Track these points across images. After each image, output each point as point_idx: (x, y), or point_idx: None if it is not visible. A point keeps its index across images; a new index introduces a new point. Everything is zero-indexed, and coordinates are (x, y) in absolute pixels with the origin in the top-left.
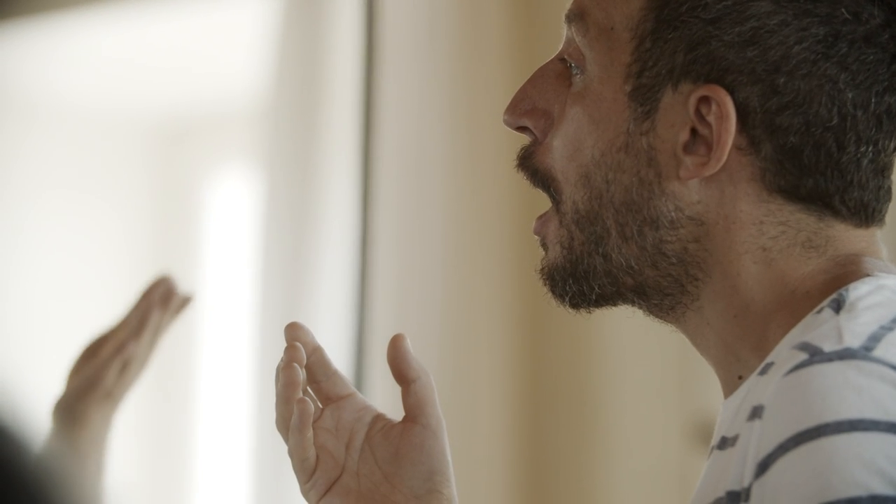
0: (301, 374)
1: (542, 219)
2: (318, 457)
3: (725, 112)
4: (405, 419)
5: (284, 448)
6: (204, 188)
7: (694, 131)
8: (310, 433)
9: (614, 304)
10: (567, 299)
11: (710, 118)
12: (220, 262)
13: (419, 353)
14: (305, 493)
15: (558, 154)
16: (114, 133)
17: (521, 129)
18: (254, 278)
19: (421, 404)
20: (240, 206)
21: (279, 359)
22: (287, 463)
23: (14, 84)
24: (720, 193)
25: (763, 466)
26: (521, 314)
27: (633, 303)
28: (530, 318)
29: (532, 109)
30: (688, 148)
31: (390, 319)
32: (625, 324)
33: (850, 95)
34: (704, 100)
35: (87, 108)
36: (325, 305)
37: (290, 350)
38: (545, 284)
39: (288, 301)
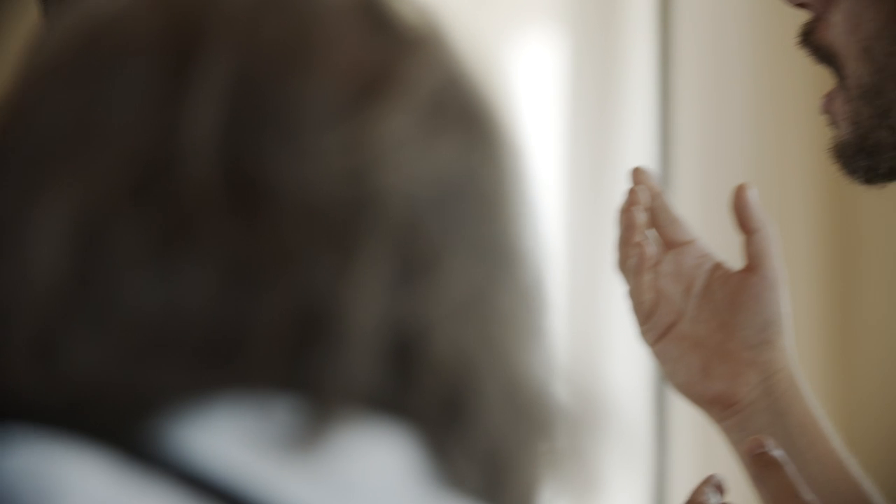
0: (642, 217)
1: (829, 96)
2: (656, 301)
3: None
4: (745, 268)
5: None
6: (508, 51)
7: None
8: (648, 276)
9: None
10: (859, 174)
11: None
12: (527, 124)
13: (720, 234)
14: (642, 335)
15: (839, 29)
16: None
17: (801, 5)
18: (560, 137)
19: (760, 255)
20: (544, 68)
21: (586, 217)
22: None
23: None
24: None
25: None
26: (826, 190)
27: None
28: (837, 195)
29: None
30: None
31: (694, 187)
32: None
33: None
34: None
35: None
36: (630, 163)
37: (632, 193)
38: (836, 162)
39: (594, 160)
